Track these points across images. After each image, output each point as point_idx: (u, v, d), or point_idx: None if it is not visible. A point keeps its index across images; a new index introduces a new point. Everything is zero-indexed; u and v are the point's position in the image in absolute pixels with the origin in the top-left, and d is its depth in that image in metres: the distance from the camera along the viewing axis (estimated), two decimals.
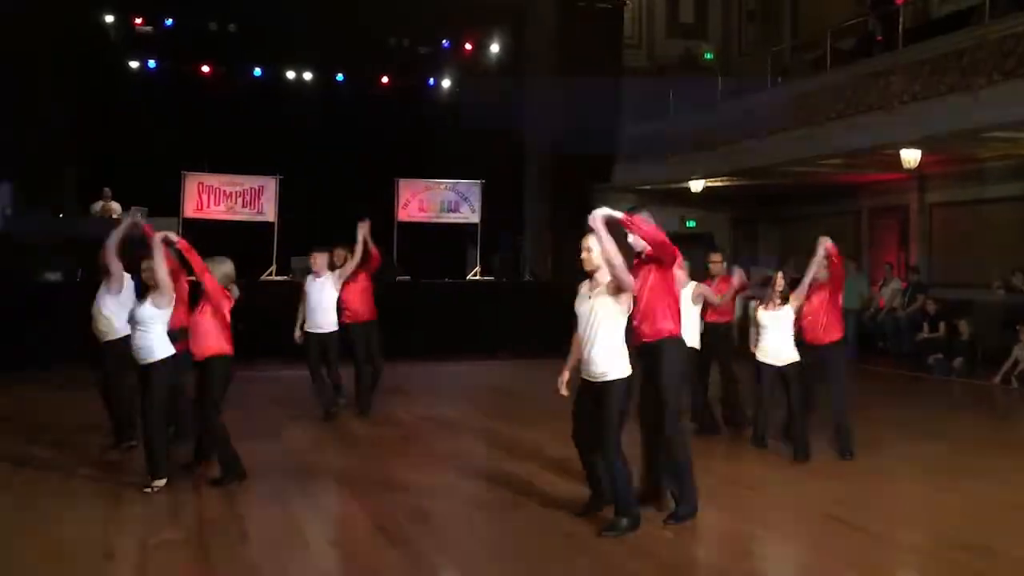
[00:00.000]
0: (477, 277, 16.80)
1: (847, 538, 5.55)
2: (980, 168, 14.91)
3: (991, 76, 11.72)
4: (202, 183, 16.59)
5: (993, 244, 14.88)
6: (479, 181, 17.86)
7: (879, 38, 15.20)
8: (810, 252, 7.45)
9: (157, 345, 6.33)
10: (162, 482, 6.21)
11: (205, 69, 18.45)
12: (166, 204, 15.54)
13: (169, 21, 17.91)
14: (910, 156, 13.76)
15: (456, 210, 17.97)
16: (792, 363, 7.43)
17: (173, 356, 6.40)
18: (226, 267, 6.67)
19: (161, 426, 6.36)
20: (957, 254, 15.84)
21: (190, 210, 16.28)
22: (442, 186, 17.99)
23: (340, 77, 19.15)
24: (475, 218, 17.74)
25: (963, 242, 15.47)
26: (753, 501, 6.51)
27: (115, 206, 15.25)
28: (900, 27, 14.16)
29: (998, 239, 14.83)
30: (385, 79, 19.42)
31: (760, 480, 7.03)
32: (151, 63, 18.28)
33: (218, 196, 16.58)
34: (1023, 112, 11.34)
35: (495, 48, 19.32)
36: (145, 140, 16.67)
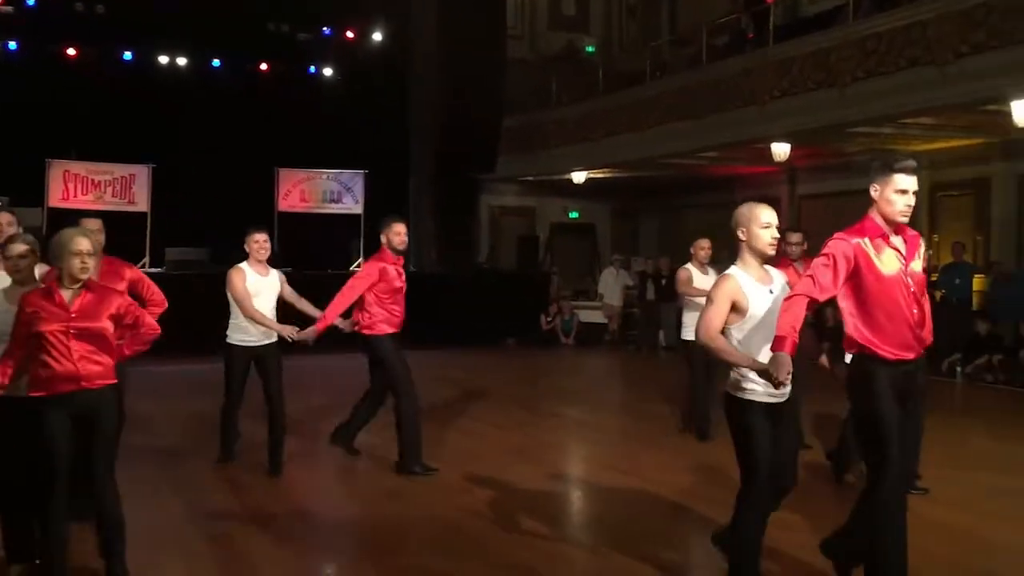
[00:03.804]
0: (360, 268, 16.61)
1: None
2: (846, 162, 15.62)
3: (855, 73, 12.29)
4: (68, 171, 15.88)
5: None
6: (362, 171, 17.66)
7: (751, 35, 15.73)
8: None
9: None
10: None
11: (71, 52, 17.58)
12: (29, 193, 14.82)
13: (31, 0, 17.01)
14: (780, 150, 14.30)
15: (339, 200, 17.74)
16: None
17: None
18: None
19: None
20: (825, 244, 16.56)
21: (55, 199, 15.57)
22: (324, 176, 17.71)
23: (216, 63, 18.58)
24: (358, 209, 17.55)
25: (830, 232, 16.17)
26: (646, 487, 6.65)
27: None
28: (771, 25, 14.68)
29: None
30: (264, 65, 18.93)
31: (661, 465, 7.20)
32: (12, 44, 17.28)
33: (86, 185, 15.90)
34: (884, 108, 11.94)
35: (377, 36, 19.10)
36: (5, 126, 15.75)
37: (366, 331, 6.71)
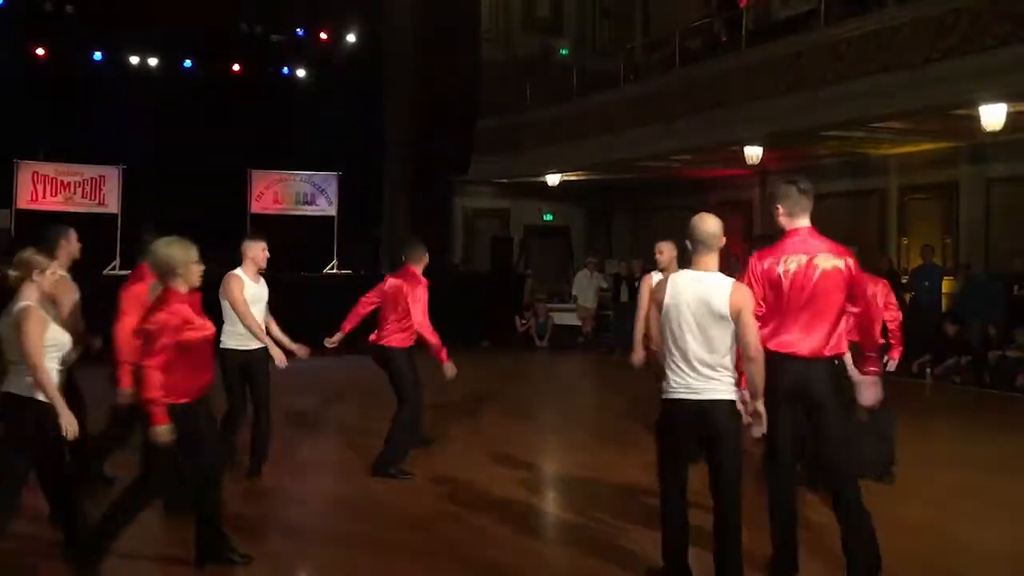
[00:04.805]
0: (334, 271, 16.53)
1: None
2: (816, 164, 15.76)
3: (825, 77, 12.40)
4: (37, 172, 15.69)
5: (828, 236, 15.74)
6: (336, 173, 17.59)
7: (724, 39, 15.82)
8: None
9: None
10: None
11: (40, 52, 17.37)
12: None
13: None
14: (752, 152, 14.40)
15: (312, 202, 17.64)
16: None
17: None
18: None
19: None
20: None
21: (24, 201, 15.37)
22: (297, 178, 17.61)
23: (188, 63, 18.42)
24: (332, 211, 17.47)
25: None
26: (620, 488, 6.68)
27: None
28: (743, 29, 14.78)
29: (833, 232, 15.64)
30: (236, 67, 18.80)
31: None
32: None
33: (55, 186, 15.71)
34: (854, 111, 12.05)
35: (351, 38, 19.01)
36: None
37: (381, 341, 6.82)
